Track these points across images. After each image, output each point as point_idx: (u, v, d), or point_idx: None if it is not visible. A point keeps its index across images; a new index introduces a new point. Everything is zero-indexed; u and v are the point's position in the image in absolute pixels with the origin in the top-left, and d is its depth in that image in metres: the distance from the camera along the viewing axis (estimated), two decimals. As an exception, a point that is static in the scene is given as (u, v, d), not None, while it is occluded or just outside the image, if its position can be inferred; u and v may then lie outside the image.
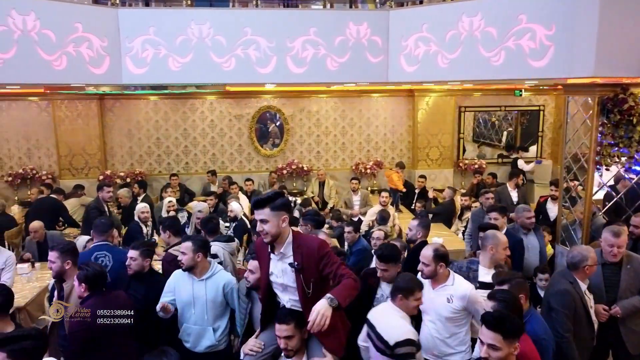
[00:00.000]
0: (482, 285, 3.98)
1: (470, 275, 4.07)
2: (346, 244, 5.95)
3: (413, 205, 9.01)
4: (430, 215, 8.34)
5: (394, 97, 10.79)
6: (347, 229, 5.81)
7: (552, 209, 6.74)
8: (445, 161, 10.89)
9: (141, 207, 6.74)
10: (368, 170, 10.62)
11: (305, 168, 10.57)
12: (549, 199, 6.96)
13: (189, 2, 6.62)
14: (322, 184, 9.86)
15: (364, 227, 7.36)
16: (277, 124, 10.64)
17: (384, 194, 7.61)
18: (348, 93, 10.55)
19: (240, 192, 8.64)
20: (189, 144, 10.46)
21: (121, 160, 10.30)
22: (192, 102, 10.30)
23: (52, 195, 7.51)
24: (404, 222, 7.60)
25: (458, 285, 3.66)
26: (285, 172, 10.47)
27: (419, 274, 3.77)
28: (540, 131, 11.13)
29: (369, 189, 10.25)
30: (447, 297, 3.61)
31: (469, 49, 5.89)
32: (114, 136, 10.22)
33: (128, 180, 9.70)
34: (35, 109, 9.81)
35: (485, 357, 2.52)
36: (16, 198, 9.63)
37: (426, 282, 3.68)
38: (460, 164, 10.84)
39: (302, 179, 10.69)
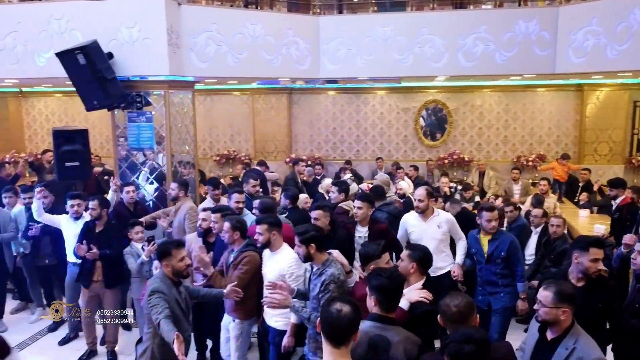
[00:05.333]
0: None
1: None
2: (505, 221, 6.58)
3: (576, 197, 9.10)
4: (596, 208, 8.45)
5: (560, 92, 10.82)
6: (507, 208, 6.45)
7: None
8: (615, 157, 10.61)
9: (327, 182, 8.09)
10: (530, 163, 10.82)
11: (467, 159, 11.16)
12: None
13: (375, 9, 7.82)
14: (482, 174, 10.29)
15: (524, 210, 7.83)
16: (440, 116, 11.41)
17: (542, 182, 7.98)
18: (512, 88, 10.87)
19: (406, 177, 9.63)
20: (360, 134, 11.77)
21: (303, 147, 12.01)
22: (365, 96, 11.60)
23: (256, 167, 9.30)
24: (565, 212, 7.92)
25: (442, 215, 4.91)
26: (446, 161, 11.19)
27: (414, 210, 4.87)
28: None
29: (530, 181, 10.47)
30: (437, 225, 4.79)
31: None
32: (298, 125, 11.97)
33: (309, 162, 11.31)
34: (238, 102, 11.97)
35: None
36: (220, 174, 11.86)
37: (418, 217, 4.82)
38: (633, 161, 10.44)
39: (462, 169, 11.30)
